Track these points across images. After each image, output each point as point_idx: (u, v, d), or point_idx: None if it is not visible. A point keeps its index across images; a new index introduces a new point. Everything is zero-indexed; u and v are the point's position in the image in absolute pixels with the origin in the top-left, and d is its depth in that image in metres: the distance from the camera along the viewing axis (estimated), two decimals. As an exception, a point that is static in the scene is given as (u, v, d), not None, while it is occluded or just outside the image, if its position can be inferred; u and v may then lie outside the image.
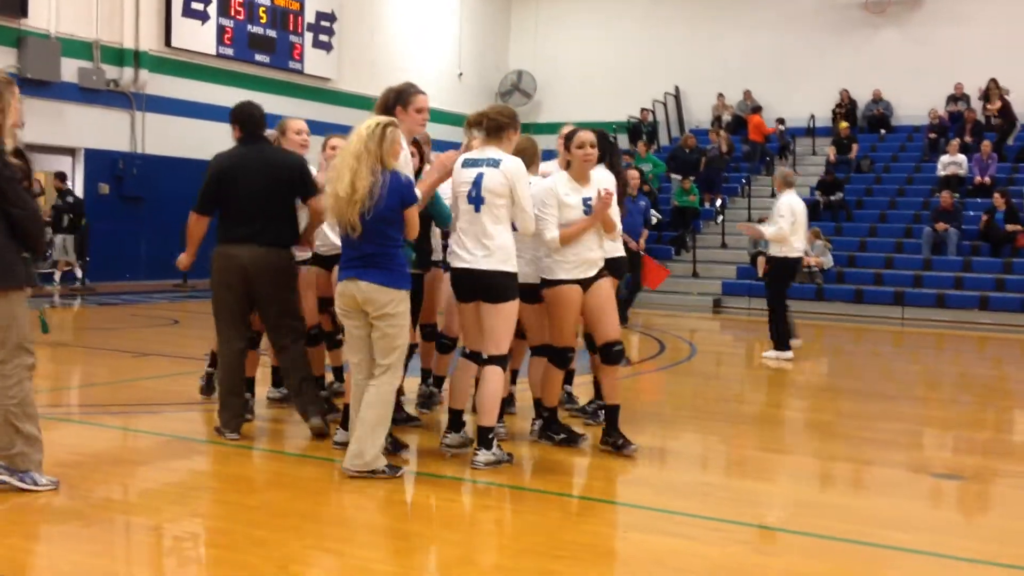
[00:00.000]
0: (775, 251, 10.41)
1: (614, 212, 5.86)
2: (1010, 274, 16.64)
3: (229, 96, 18.34)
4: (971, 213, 18.00)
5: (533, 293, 5.83)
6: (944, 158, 19.22)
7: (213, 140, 17.31)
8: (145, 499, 4.89)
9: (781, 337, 10.57)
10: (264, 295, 5.91)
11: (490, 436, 5.41)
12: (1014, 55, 20.34)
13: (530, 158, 5.89)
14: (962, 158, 19.06)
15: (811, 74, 22.28)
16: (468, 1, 24.44)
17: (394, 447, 5.58)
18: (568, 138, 5.84)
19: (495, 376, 5.40)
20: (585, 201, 5.73)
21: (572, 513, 4.89)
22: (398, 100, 5.67)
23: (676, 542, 4.33)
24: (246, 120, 6.06)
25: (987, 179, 18.70)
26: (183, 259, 6.15)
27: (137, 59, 16.84)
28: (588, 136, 5.77)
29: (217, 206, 5.95)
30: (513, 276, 5.41)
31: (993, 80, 20.32)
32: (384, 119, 5.14)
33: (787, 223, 10.16)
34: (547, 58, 24.88)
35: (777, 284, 10.51)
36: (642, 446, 5.98)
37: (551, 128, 22.49)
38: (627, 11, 24.16)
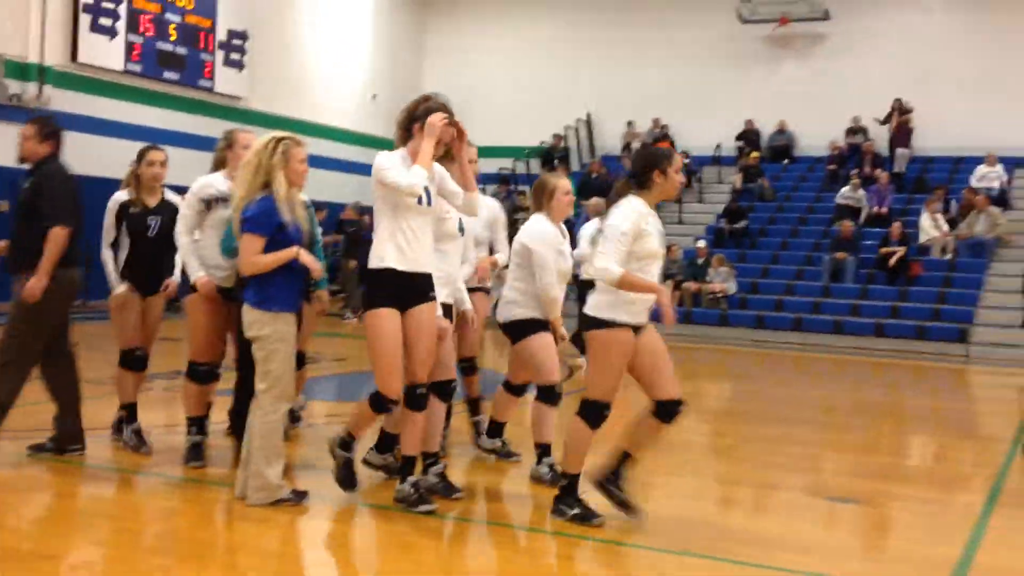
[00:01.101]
0: (584, 274, 11.03)
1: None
2: (905, 302, 17.23)
3: (137, 113, 18.12)
4: (868, 242, 18.59)
5: (527, 327, 5.77)
6: (844, 189, 19.85)
7: (120, 158, 16.93)
8: (42, 527, 4.77)
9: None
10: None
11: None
12: (912, 89, 21.11)
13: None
14: (861, 192, 19.69)
15: (718, 104, 22.80)
16: (382, 23, 24.44)
17: (297, 490, 5.17)
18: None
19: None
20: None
21: (499, 543, 4.91)
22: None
23: (578, 566, 4.39)
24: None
25: (884, 210, 19.35)
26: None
27: (42, 74, 16.43)
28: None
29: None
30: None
31: (897, 100, 21.00)
32: (280, 134, 5.05)
33: (588, 246, 10.78)
34: (462, 81, 24.98)
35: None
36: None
37: (464, 152, 22.66)
38: (541, 37, 24.44)
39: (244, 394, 5.41)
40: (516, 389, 6.25)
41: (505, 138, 22.98)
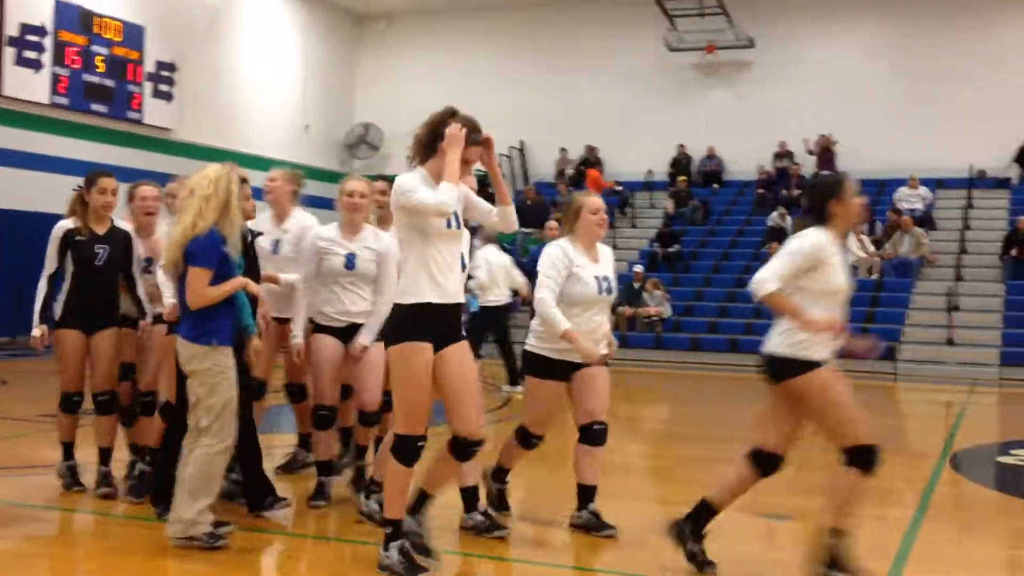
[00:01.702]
0: (481, 300, 11.41)
1: None
2: (835, 321, 17.57)
3: (64, 147, 17.84)
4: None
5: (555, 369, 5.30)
6: (774, 213, 20.24)
7: (47, 191, 16.75)
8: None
9: (513, 372, 11.73)
10: None
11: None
12: (836, 113, 21.64)
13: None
14: (790, 219, 20.09)
15: (650, 130, 23.12)
16: (313, 53, 24.41)
17: (214, 533, 4.93)
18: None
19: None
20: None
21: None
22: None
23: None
24: None
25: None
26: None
27: (-35, 107, 16.14)
28: None
29: None
30: None
31: (822, 136, 21.51)
32: (228, 168, 5.00)
33: (483, 274, 11.27)
34: (395, 110, 24.94)
35: (479, 331, 11.07)
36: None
37: (398, 181, 22.68)
38: (474, 65, 24.60)
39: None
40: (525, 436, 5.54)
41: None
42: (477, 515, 5.23)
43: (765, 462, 4.74)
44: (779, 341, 4.51)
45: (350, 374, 5.85)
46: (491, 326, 11.66)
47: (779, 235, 19.52)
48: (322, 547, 5.38)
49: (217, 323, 4.91)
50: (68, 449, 6.06)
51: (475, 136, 4.56)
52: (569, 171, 23.54)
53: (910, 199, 20.01)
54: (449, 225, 4.47)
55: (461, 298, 4.55)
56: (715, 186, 22.86)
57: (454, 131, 4.47)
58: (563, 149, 23.71)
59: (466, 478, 5.19)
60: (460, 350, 4.51)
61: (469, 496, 5.27)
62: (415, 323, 4.42)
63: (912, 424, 12.33)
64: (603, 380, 5.37)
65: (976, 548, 4.78)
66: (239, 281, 4.97)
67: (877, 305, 17.82)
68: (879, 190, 21.28)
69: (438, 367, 4.44)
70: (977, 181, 20.92)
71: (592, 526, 5.35)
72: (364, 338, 5.72)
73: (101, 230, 5.92)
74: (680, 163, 22.95)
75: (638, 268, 18.61)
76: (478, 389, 4.62)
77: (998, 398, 14.48)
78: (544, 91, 23.97)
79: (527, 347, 5.39)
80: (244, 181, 5.46)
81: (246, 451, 5.49)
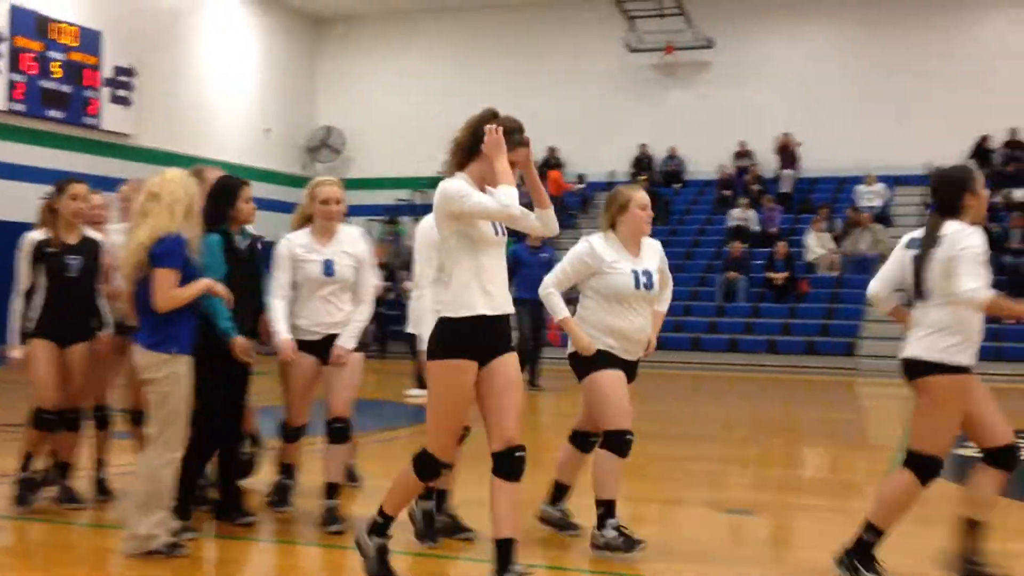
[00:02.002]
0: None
1: None
2: (795, 319, 17.79)
3: (21, 154, 17.65)
4: (759, 262, 19.16)
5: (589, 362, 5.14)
6: (734, 211, 20.44)
7: (3, 199, 16.54)
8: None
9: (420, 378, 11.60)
10: None
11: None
12: (795, 113, 21.88)
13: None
14: (751, 212, 20.31)
15: (612, 131, 23.25)
16: (273, 56, 24.29)
17: (173, 543, 4.85)
18: None
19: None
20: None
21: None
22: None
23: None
24: None
25: (774, 229, 19.98)
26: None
27: (-83, 114, 15.91)
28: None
29: None
30: None
31: (785, 134, 21.74)
32: (180, 172, 4.96)
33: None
34: (356, 113, 24.97)
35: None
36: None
37: (361, 184, 22.68)
38: (435, 67, 24.61)
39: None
40: (581, 440, 5.43)
41: (402, 169, 23.08)
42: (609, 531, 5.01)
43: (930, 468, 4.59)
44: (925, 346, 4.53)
45: (324, 381, 5.57)
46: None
47: (741, 234, 19.74)
48: (287, 552, 5.40)
49: (177, 331, 4.83)
50: (29, 461, 5.88)
51: (517, 137, 4.35)
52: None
53: (868, 196, 20.29)
54: (496, 232, 4.29)
55: (510, 308, 4.32)
56: (676, 186, 23.02)
57: (493, 138, 4.23)
58: (525, 151, 23.76)
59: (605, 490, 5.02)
60: (509, 361, 4.30)
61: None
62: (464, 338, 4.20)
63: (872, 418, 12.53)
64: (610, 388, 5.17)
65: (932, 538, 4.89)
66: (205, 283, 4.91)
67: (837, 302, 18.05)
68: (838, 188, 21.55)
69: (484, 378, 4.23)
70: (933, 178, 21.22)
71: (561, 524, 5.40)
72: (348, 341, 5.48)
73: (73, 240, 5.75)
74: (642, 163, 23.09)
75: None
76: (521, 402, 4.40)
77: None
78: (505, 93, 23.85)
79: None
80: (245, 184, 5.51)
81: (226, 461, 5.49)
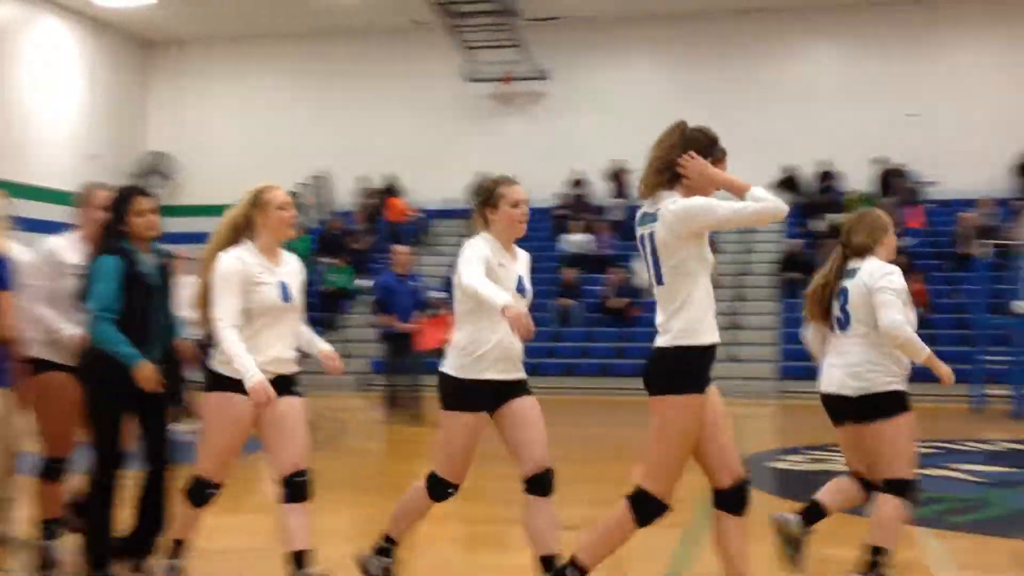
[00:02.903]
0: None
1: None
2: (628, 342, 18.38)
3: None
4: (594, 288, 19.69)
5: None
6: (571, 237, 20.96)
7: None
8: None
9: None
10: None
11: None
12: (625, 142, 22.46)
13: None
14: (588, 237, 20.87)
15: (449, 158, 23.43)
16: (100, 79, 23.50)
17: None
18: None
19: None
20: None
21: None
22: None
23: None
24: None
25: (608, 253, 20.57)
26: None
27: None
28: None
29: None
30: None
31: (615, 161, 22.43)
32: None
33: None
34: (190, 139, 24.41)
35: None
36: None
37: (194, 211, 22.08)
38: (269, 93, 24.33)
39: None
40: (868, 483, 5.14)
41: (236, 195, 22.49)
42: None
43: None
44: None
45: (270, 432, 4.57)
46: None
47: (577, 261, 20.26)
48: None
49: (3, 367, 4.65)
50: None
51: (718, 150, 4.11)
52: (370, 200, 23.62)
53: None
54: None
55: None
56: (513, 213, 23.38)
57: (694, 164, 3.99)
58: (363, 178, 23.76)
59: None
60: (714, 390, 4.17)
61: None
62: (703, 369, 3.99)
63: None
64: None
65: (752, 548, 5.23)
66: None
67: (667, 325, 18.74)
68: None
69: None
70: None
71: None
72: (327, 346, 4.92)
73: None
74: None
75: (438, 294, 18.83)
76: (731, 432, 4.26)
77: (777, 410, 15.56)
78: (342, 120, 23.97)
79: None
80: (139, 194, 5.04)
81: (146, 504, 4.93)
